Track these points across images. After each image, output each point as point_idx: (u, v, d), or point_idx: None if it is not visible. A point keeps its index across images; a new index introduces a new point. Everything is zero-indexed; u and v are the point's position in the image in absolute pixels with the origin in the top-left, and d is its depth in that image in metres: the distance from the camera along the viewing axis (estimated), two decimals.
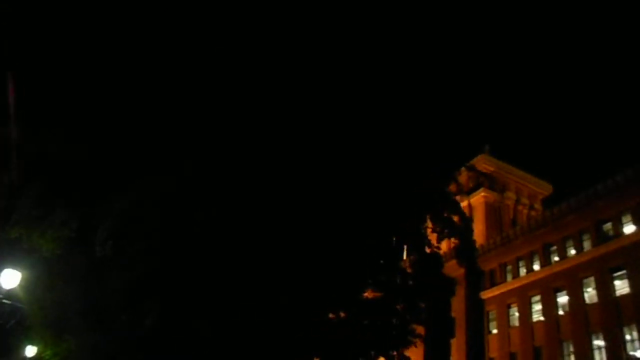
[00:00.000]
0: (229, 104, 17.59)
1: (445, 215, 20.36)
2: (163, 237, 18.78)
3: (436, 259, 19.83)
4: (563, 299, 42.53)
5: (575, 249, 42.44)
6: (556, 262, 43.50)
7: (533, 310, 44.47)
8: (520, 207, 61.91)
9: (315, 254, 18.50)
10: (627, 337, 37.40)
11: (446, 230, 20.35)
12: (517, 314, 45.63)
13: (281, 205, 18.57)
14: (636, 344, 36.33)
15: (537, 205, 62.93)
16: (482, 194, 59.56)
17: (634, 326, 36.65)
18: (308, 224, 18.77)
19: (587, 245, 41.76)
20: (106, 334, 30.67)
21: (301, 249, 18.43)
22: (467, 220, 20.88)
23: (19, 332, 33.69)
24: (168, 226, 19.14)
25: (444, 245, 22.57)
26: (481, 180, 58.15)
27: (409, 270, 20.77)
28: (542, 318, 43.38)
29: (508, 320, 46.23)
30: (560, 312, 42.37)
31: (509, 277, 47.54)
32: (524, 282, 45.48)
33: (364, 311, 19.51)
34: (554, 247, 44.17)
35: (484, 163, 58.99)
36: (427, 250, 20.19)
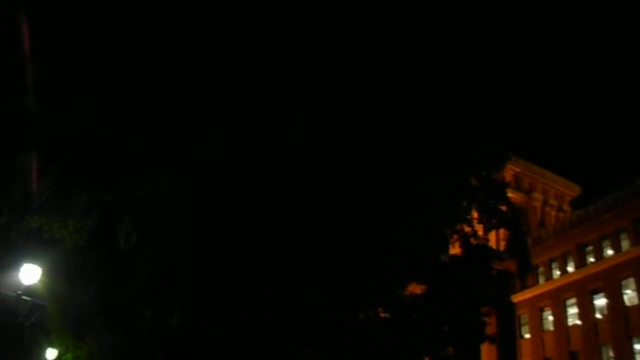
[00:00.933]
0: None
1: (492, 204, 18.71)
2: (189, 228, 17.38)
3: (484, 251, 18.10)
4: (600, 301, 40.25)
5: (612, 248, 40.18)
6: (592, 263, 41.24)
7: (568, 313, 42.20)
8: (547, 209, 59.49)
9: (343, 248, 16.93)
10: None
11: (494, 220, 18.70)
12: (550, 317, 43.37)
13: (310, 199, 17.11)
14: None
15: (566, 207, 60.46)
16: (509, 195, 57.37)
17: None
18: (336, 217, 17.25)
19: (625, 244, 39.50)
20: (128, 335, 29.30)
21: (330, 243, 16.89)
22: (515, 210, 19.14)
23: (39, 332, 32.50)
24: (194, 216, 17.74)
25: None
26: (507, 181, 56.10)
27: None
28: (578, 322, 41.09)
29: (541, 324, 43.94)
30: (598, 315, 40.09)
31: (541, 279, 45.27)
32: (558, 284, 43.21)
33: (407, 310, 17.81)
34: (590, 248, 41.90)
35: (510, 164, 56.90)
36: (473, 242, 18.52)
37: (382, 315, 18.29)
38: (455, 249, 19.41)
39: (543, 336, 43.26)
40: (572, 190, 63.16)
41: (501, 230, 19.67)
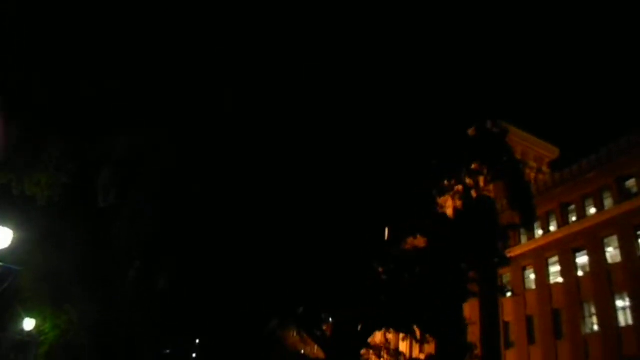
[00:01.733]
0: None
1: (491, 154, 17.67)
2: (174, 183, 15.87)
3: (486, 203, 17.11)
4: (583, 259, 40.25)
5: (595, 207, 40.01)
6: (574, 222, 41.09)
7: (550, 272, 42.21)
8: (527, 171, 59.20)
9: (331, 198, 15.70)
10: None
11: (495, 171, 17.70)
12: (533, 276, 43.38)
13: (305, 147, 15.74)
14: None
15: (545, 169, 60.45)
16: None
17: None
18: (330, 171, 15.97)
19: (608, 203, 39.34)
20: (110, 301, 27.80)
21: (317, 195, 15.61)
22: (516, 160, 18.15)
23: (14, 300, 30.81)
24: (180, 171, 16.21)
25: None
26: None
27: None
28: (560, 280, 41.14)
29: (524, 283, 43.94)
30: (580, 273, 40.14)
31: (524, 239, 45.07)
32: (540, 243, 43.05)
33: (404, 265, 16.76)
34: (572, 207, 41.72)
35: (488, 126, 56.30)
36: (474, 194, 17.53)
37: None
38: (455, 203, 18.46)
39: (525, 295, 43.24)
40: (551, 152, 63.07)
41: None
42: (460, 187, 17.49)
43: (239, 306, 15.14)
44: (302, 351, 18.15)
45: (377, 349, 17.31)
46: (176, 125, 15.42)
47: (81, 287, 31.80)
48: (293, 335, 17.90)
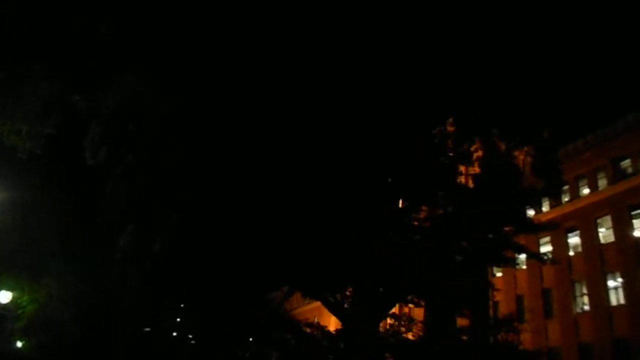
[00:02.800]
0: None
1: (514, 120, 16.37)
2: (173, 138, 14.11)
3: (509, 168, 15.81)
4: (574, 239, 39.68)
5: (589, 187, 39.33)
6: (567, 202, 40.39)
7: (542, 251, 41.54)
8: (517, 153, 58.61)
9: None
10: None
11: (518, 137, 16.41)
12: (523, 255, 42.67)
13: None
14: None
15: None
16: None
17: None
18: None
19: (602, 183, 38.71)
20: (94, 277, 25.89)
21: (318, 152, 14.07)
22: (539, 125, 16.88)
23: None
24: (180, 127, 14.44)
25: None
26: None
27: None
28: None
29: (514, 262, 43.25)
30: (572, 253, 39.57)
31: None
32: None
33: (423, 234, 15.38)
34: (566, 187, 40.93)
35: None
36: (495, 160, 16.22)
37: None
38: (474, 170, 17.15)
39: (516, 274, 42.57)
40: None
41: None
42: (480, 153, 16.22)
43: (243, 272, 13.57)
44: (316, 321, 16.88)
45: (397, 318, 16.06)
46: (178, 76, 13.61)
47: (63, 258, 29.91)
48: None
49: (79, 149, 15.39)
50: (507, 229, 16.26)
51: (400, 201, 16.51)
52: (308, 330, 15.56)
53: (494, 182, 15.56)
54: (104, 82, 13.48)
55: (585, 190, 39.73)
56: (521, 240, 41.45)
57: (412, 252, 14.37)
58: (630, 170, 37.30)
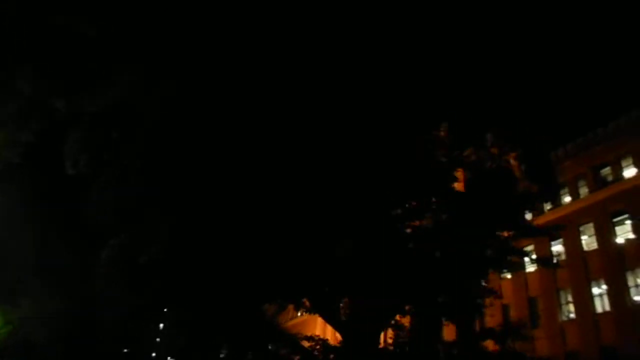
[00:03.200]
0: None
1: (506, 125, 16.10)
2: (163, 141, 13.36)
3: (503, 172, 15.45)
4: (558, 247, 39.70)
5: (570, 195, 39.56)
6: (549, 210, 40.50)
7: (525, 260, 41.45)
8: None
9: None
10: (631, 283, 34.93)
11: (510, 143, 16.12)
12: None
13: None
14: None
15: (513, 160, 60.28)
16: None
17: (638, 271, 34.13)
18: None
19: (583, 191, 38.97)
20: (73, 295, 24.77)
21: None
22: (533, 129, 16.63)
23: None
24: (169, 131, 13.72)
25: None
26: None
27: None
28: (534, 268, 40.44)
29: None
30: (555, 261, 39.53)
31: None
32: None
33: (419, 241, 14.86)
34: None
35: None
36: (490, 165, 15.89)
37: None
38: (467, 175, 16.75)
39: (500, 284, 42.35)
40: None
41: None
42: (473, 158, 15.86)
43: (238, 281, 12.82)
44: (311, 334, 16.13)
45: (399, 328, 15.35)
46: (169, 77, 12.95)
47: (39, 275, 28.56)
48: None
49: (57, 158, 14.56)
50: (506, 234, 15.86)
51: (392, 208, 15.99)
52: (306, 343, 14.84)
53: (488, 187, 15.21)
54: (90, 84, 12.77)
55: (567, 199, 39.93)
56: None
57: (408, 261, 13.86)
58: (610, 177, 37.63)
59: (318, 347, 14.24)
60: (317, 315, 24.85)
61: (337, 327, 14.34)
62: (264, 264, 12.69)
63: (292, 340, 14.78)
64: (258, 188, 12.56)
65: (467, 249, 14.45)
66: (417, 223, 15.46)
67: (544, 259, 18.79)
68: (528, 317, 39.45)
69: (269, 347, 14.29)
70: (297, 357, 14.50)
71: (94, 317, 36.03)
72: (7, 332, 31.94)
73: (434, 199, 15.35)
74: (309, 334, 23.79)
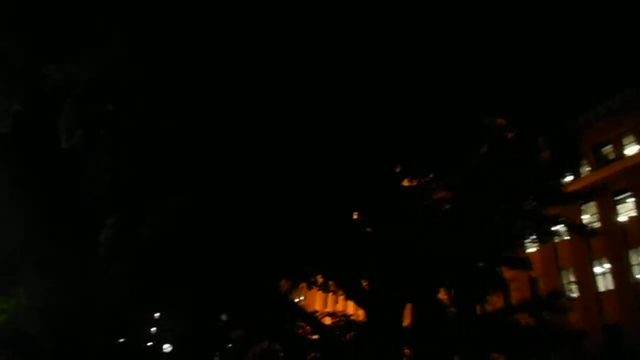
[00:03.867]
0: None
1: None
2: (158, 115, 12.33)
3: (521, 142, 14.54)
4: (559, 226, 39.22)
5: (572, 174, 39.06)
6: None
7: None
8: None
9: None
10: (633, 261, 34.63)
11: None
12: None
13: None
14: None
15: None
16: None
17: None
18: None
19: (584, 170, 38.42)
20: (67, 282, 23.79)
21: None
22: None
23: None
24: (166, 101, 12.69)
25: None
26: None
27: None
28: (535, 249, 40.01)
29: None
30: (556, 240, 39.10)
31: None
32: None
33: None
34: None
35: None
36: (509, 135, 15.02)
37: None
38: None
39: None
40: None
41: None
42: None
43: (252, 256, 11.86)
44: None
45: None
46: (169, 45, 11.90)
47: (32, 263, 27.49)
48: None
49: (47, 132, 13.49)
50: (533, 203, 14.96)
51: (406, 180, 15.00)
52: (327, 320, 13.92)
53: (508, 154, 14.31)
54: (81, 49, 11.71)
55: (569, 178, 39.40)
56: None
57: (433, 233, 12.94)
58: (612, 156, 37.15)
59: (340, 324, 13.38)
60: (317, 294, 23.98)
61: (357, 300, 13.45)
62: (278, 234, 11.77)
63: (311, 317, 13.88)
64: (266, 159, 11.59)
65: (489, 221, 13.66)
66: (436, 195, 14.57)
67: (578, 227, 17.69)
68: (530, 296, 39.19)
69: (285, 327, 13.39)
70: (316, 337, 13.59)
71: (87, 305, 35.08)
72: (1, 321, 30.91)
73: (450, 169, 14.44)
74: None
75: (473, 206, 13.80)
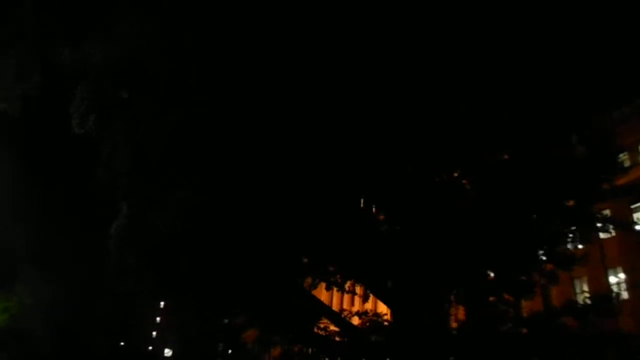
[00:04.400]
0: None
1: None
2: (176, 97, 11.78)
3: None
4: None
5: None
6: None
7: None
8: None
9: None
10: None
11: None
12: None
13: None
14: None
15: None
16: None
17: None
18: None
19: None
20: (74, 280, 23.28)
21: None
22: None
23: None
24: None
25: None
26: None
27: None
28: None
29: None
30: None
31: None
32: None
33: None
34: None
35: None
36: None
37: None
38: None
39: None
40: None
41: None
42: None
43: (263, 249, 11.26)
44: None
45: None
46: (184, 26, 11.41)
47: (35, 262, 27.03)
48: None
49: (58, 117, 13.00)
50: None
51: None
52: (357, 320, 13.20)
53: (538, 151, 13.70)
54: (96, 33, 11.24)
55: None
56: None
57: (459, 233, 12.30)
58: (627, 163, 36.41)
59: (368, 324, 12.69)
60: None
61: (383, 299, 12.76)
62: (294, 226, 11.20)
63: (338, 317, 13.19)
64: (283, 146, 11.06)
65: (525, 222, 13.02)
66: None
67: (624, 224, 17.07)
68: (542, 307, 38.33)
69: (313, 327, 12.70)
70: (342, 339, 12.88)
71: (90, 305, 34.64)
72: (3, 320, 30.33)
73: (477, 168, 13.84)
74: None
75: (501, 204, 13.19)
